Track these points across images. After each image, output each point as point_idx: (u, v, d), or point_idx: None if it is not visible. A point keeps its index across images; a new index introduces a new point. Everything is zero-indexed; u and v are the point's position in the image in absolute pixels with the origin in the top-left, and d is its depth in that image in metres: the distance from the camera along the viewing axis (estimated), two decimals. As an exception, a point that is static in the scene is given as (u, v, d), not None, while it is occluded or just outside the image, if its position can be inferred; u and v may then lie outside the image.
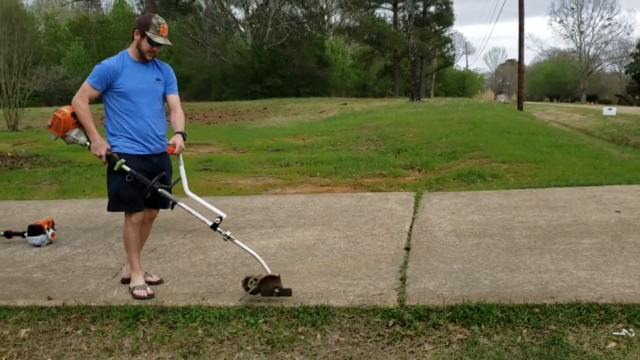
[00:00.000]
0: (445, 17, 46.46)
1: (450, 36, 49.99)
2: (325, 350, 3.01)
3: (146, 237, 4.03)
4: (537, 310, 3.21)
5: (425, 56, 46.56)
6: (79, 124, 3.66)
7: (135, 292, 3.71)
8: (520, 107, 25.89)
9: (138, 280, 3.78)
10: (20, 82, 20.82)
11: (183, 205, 3.71)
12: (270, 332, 3.18)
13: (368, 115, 21.33)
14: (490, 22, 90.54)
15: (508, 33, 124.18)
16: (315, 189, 8.05)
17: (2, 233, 5.19)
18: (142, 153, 3.68)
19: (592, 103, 55.32)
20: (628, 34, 79.44)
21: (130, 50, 3.70)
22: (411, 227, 5.21)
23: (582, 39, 72.86)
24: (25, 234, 5.04)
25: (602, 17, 77.30)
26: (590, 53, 72.98)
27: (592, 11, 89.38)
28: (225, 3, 43.56)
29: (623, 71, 69.54)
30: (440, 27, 47.71)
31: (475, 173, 8.22)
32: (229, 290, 3.74)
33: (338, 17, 54.92)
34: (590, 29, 72.67)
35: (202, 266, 4.30)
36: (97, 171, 9.69)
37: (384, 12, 48.97)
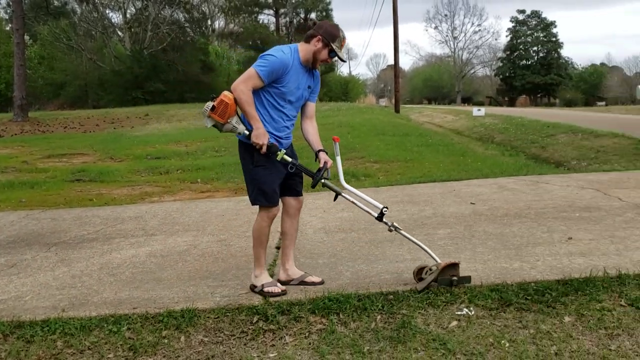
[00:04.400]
0: (326, 24, 47.56)
1: (332, 42, 51.23)
2: (188, 352, 3.05)
3: (297, 230, 3.85)
4: (391, 296, 3.45)
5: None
6: (237, 111, 3.46)
7: (267, 289, 3.55)
8: (397, 110, 27.15)
9: (265, 277, 3.63)
10: None
11: (346, 196, 3.64)
12: (133, 339, 3.16)
13: (252, 120, 21.36)
14: (369, 29, 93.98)
15: (389, 39, 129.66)
16: (194, 196, 8.00)
17: None
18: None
19: (466, 105, 59.15)
20: (496, 39, 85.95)
21: (302, 51, 3.50)
22: (283, 227, 5.35)
23: (455, 44, 77.88)
24: None
25: (472, 24, 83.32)
26: (463, 57, 78.13)
27: (464, 18, 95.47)
28: (101, 7, 41.71)
29: (493, 74, 75.19)
30: (322, 33, 48.75)
31: (350, 173, 8.57)
32: (92, 300, 3.66)
33: (222, 22, 54.53)
34: (463, 34, 77.91)
35: (65, 279, 4.16)
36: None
37: (267, 18, 49.32)
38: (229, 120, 3.46)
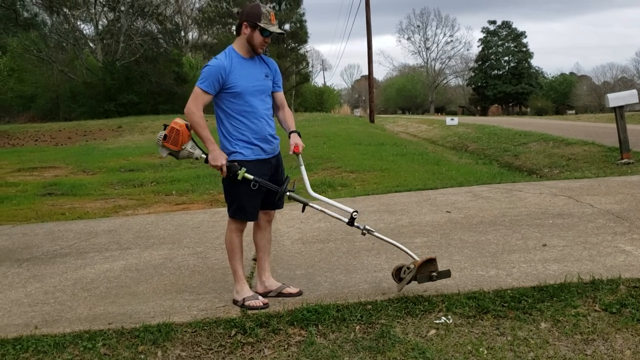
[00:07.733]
0: (300, 35, 47.81)
1: (306, 53, 51.54)
2: (165, 367, 3.00)
3: (270, 241, 3.86)
4: (369, 306, 3.44)
5: (283, 73, 47.50)
6: (191, 136, 3.41)
7: (249, 303, 3.50)
8: (372, 120, 27.33)
9: (246, 291, 3.58)
10: None
11: (315, 205, 3.61)
12: (109, 355, 3.10)
13: (227, 131, 21.29)
14: (342, 40, 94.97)
15: (362, 51, 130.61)
16: (169, 208, 7.91)
17: None
18: (260, 157, 3.48)
19: (439, 114, 59.87)
20: (468, 50, 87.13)
21: (238, 46, 3.45)
22: (260, 238, 5.31)
23: (428, 54, 78.97)
24: None
25: (444, 35, 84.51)
26: (436, 68, 79.18)
27: (436, 29, 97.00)
28: (72, 19, 41.17)
29: (465, 84, 76.31)
30: (296, 44, 49.00)
31: (326, 183, 8.59)
32: (66, 316, 3.58)
33: (195, 34, 54.33)
34: (435, 45, 79.08)
35: (38, 295, 4.07)
36: None
37: (241, 29, 49.20)
38: (183, 147, 3.47)
